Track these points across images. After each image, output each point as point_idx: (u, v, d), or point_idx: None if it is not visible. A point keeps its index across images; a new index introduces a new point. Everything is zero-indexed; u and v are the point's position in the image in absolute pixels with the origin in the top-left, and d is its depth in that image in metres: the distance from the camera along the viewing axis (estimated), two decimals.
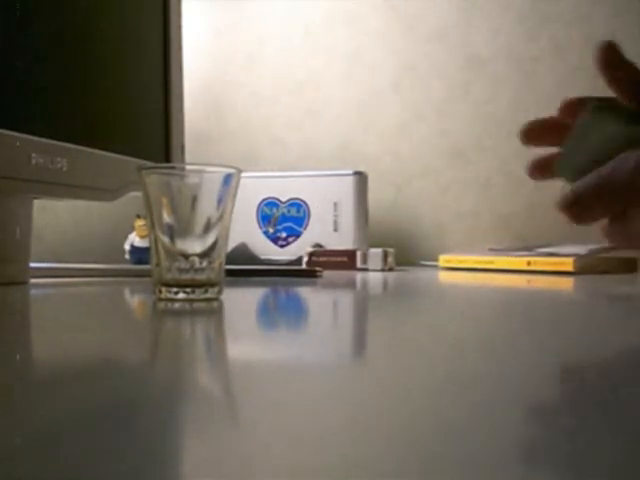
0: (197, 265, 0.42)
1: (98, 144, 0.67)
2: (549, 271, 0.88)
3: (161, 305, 0.40)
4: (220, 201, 0.42)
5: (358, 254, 1.01)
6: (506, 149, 1.20)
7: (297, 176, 1.12)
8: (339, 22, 1.30)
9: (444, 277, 0.81)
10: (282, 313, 0.39)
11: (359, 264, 1.00)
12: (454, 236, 1.24)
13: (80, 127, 0.65)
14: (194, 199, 0.42)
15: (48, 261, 1.10)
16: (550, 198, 0.58)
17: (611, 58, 0.42)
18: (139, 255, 1.11)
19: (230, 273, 0.68)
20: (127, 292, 0.54)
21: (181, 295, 0.42)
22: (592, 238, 0.76)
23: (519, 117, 0.51)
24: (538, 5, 1.21)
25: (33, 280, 0.65)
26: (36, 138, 0.58)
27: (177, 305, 0.40)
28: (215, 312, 0.37)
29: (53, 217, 1.33)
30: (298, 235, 1.11)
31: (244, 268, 0.77)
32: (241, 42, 1.34)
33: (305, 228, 1.11)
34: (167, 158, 0.82)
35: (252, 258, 1.10)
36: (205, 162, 0.41)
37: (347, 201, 1.09)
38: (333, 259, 1.01)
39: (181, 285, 0.41)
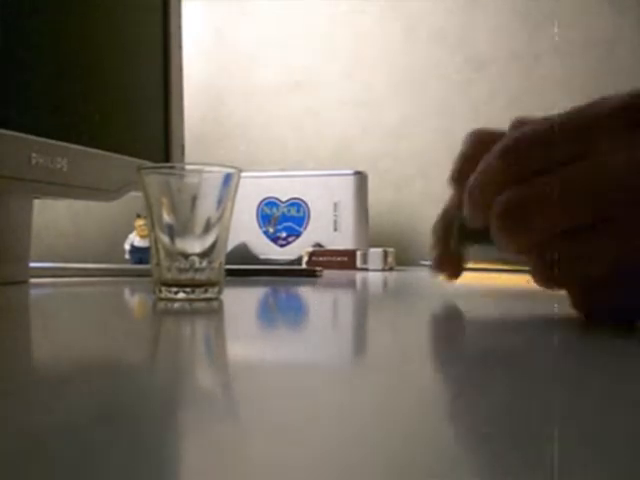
0: (197, 265, 0.42)
1: (98, 144, 0.66)
2: None
3: (161, 305, 0.40)
4: (220, 201, 0.42)
5: (358, 254, 1.01)
6: None
7: (297, 176, 1.12)
8: (339, 22, 1.30)
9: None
10: (282, 313, 0.39)
11: (359, 264, 1.00)
12: None
13: (80, 127, 0.65)
14: (194, 199, 0.42)
15: (48, 261, 1.10)
16: None
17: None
18: (139, 255, 1.11)
19: (230, 273, 0.68)
20: (127, 292, 0.54)
21: (181, 295, 0.42)
22: None
23: None
24: (538, 5, 1.21)
25: (33, 280, 0.65)
26: (36, 138, 0.58)
27: (177, 305, 0.40)
28: (215, 312, 0.37)
29: (53, 217, 1.33)
30: (298, 235, 1.11)
31: (244, 268, 0.77)
32: (241, 42, 1.34)
33: (305, 228, 1.11)
34: (167, 158, 0.82)
35: (252, 258, 1.10)
36: (205, 162, 0.41)
37: (347, 201, 1.09)
38: (333, 259, 1.01)
39: (181, 285, 0.41)
